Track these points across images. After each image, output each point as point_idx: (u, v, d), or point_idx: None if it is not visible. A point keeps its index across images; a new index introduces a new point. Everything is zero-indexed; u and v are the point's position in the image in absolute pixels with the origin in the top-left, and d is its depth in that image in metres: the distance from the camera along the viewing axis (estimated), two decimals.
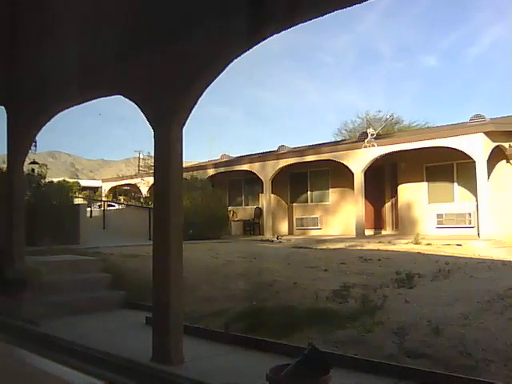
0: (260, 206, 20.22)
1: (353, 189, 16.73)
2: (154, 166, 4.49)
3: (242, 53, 3.88)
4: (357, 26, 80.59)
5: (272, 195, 19.23)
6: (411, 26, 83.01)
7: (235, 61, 3.91)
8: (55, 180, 18.31)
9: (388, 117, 27.35)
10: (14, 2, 4.58)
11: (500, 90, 69.30)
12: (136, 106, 4.49)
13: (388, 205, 17.75)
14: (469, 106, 63.32)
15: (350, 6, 3.32)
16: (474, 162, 13.88)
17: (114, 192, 28.42)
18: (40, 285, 5.90)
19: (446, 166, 15.90)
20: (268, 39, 3.66)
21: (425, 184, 16.49)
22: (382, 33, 79.85)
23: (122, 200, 24.72)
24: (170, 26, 4.16)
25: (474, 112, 16.07)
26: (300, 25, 3.54)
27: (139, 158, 35.35)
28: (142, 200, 19.91)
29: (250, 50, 3.85)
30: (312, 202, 19.49)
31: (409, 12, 78.37)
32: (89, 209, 18.57)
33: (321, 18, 3.42)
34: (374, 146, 15.74)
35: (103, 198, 25.18)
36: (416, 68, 78.22)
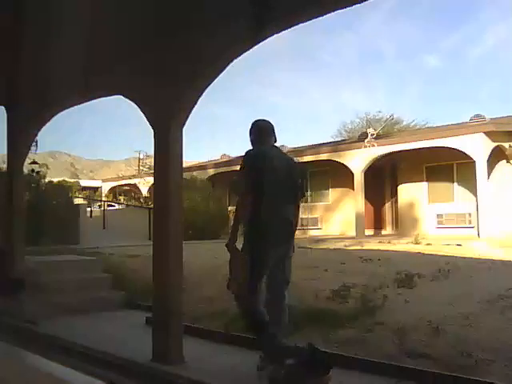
0: None
1: (353, 189, 16.74)
2: (154, 166, 4.49)
3: (242, 53, 3.88)
4: (359, 25, 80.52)
5: None
6: (414, 25, 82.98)
7: (236, 60, 3.91)
8: (55, 180, 18.32)
9: (388, 117, 27.38)
10: (14, 2, 4.58)
11: (502, 90, 69.26)
12: (136, 106, 4.49)
13: (388, 205, 17.76)
14: (470, 105, 63.33)
15: (350, 6, 3.32)
16: (474, 161, 13.89)
17: (114, 192, 28.43)
18: (40, 285, 5.90)
19: (446, 166, 15.91)
20: (271, 38, 3.66)
21: (425, 184, 16.50)
22: (384, 33, 79.85)
23: (122, 200, 24.72)
24: (170, 26, 4.16)
25: (476, 112, 16.10)
26: (301, 25, 3.54)
27: (139, 158, 35.37)
28: (141, 200, 19.92)
29: (251, 49, 3.85)
30: (312, 201, 19.49)
31: (411, 12, 78.28)
32: (89, 209, 18.59)
33: (321, 18, 3.42)
34: (374, 145, 15.75)
35: (103, 198, 25.18)
36: (418, 68, 78.17)
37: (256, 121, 4.14)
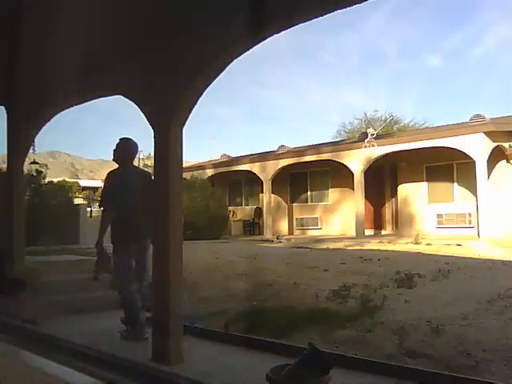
0: (260, 206, 20.22)
1: (353, 189, 16.74)
2: (154, 165, 4.49)
3: (242, 53, 3.88)
4: (361, 25, 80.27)
5: (272, 195, 19.23)
6: (416, 25, 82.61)
7: (236, 60, 3.91)
8: (55, 180, 18.30)
9: (388, 116, 27.39)
10: (14, 1, 4.57)
11: (502, 90, 69.17)
12: (136, 106, 4.49)
13: (388, 205, 17.76)
14: (471, 106, 63.21)
15: (350, 6, 3.31)
16: (474, 161, 13.88)
17: None
18: (40, 285, 5.89)
19: (446, 166, 15.91)
20: (271, 38, 3.65)
21: (425, 184, 16.49)
22: (386, 33, 79.63)
23: None
24: (169, 26, 4.15)
25: (477, 112, 16.09)
26: (301, 24, 3.53)
27: (139, 158, 35.35)
28: None
29: (250, 49, 3.85)
30: (312, 201, 19.49)
31: (414, 12, 77.95)
32: (89, 209, 18.55)
33: (321, 17, 3.41)
34: (373, 146, 15.75)
35: None
36: (420, 68, 78.02)
37: (119, 142, 5.03)
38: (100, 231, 4.78)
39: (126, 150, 5.06)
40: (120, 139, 5.06)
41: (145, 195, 4.90)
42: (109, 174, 5.04)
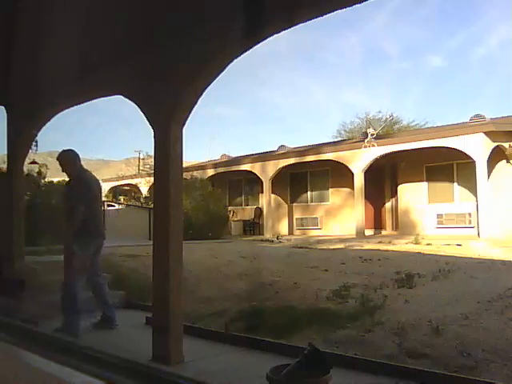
0: (260, 206, 20.21)
1: (353, 189, 16.74)
2: (154, 165, 4.49)
3: (242, 53, 3.88)
4: (363, 25, 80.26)
5: (272, 195, 19.23)
6: (418, 26, 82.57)
7: (237, 60, 3.91)
8: (55, 180, 18.28)
9: (388, 117, 27.37)
10: (13, 1, 4.57)
11: (504, 90, 69.15)
12: (136, 106, 4.49)
13: (388, 205, 17.75)
14: (473, 106, 63.24)
15: (349, 6, 3.32)
16: (474, 162, 13.88)
17: (114, 192, 28.40)
18: (40, 285, 5.89)
19: (446, 166, 15.91)
20: (272, 38, 3.65)
21: (425, 184, 16.49)
22: (388, 33, 79.61)
23: (122, 200, 24.69)
24: (169, 26, 4.16)
25: (478, 112, 16.10)
26: (301, 25, 3.54)
27: (139, 158, 35.35)
28: (142, 200, 19.90)
29: (250, 49, 3.85)
30: (312, 202, 19.49)
31: (416, 12, 77.74)
32: None
33: (321, 17, 3.41)
34: (374, 145, 15.75)
35: (103, 198, 25.07)
36: (422, 68, 78.08)
37: (64, 152, 5.33)
38: (69, 231, 5.12)
39: (71, 160, 5.35)
40: (60, 153, 5.35)
41: (98, 198, 5.58)
42: (72, 179, 5.46)
